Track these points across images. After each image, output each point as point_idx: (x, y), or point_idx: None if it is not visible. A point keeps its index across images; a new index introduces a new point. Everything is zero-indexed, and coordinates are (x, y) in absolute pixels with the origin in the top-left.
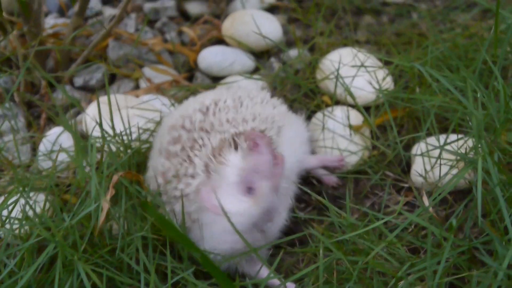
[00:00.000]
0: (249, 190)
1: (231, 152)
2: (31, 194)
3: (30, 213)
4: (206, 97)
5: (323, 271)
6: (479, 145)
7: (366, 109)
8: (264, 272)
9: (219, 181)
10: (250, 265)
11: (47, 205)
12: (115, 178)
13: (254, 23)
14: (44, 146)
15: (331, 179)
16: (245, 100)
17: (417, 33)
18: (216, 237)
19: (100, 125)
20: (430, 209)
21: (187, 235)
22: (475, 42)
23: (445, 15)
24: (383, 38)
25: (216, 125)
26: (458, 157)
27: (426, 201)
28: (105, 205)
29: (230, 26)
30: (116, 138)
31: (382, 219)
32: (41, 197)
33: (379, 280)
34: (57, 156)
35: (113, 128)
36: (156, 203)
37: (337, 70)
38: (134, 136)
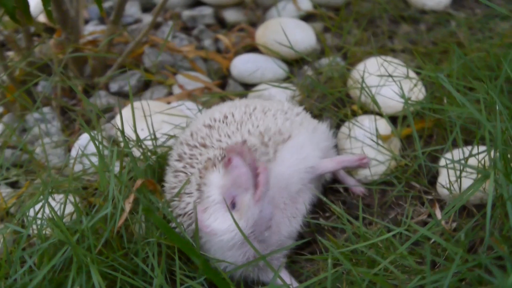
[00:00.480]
0: (233, 205)
1: (212, 171)
2: (60, 196)
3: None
4: (218, 110)
5: (335, 280)
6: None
7: (396, 119)
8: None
9: (206, 201)
10: (263, 273)
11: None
12: (138, 182)
13: (284, 32)
14: (75, 150)
15: (358, 189)
16: (257, 113)
17: (454, 42)
18: (217, 254)
19: (122, 132)
20: (443, 222)
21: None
22: (509, 52)
23: (484, 24)
24: (420, 47)
25: (215, 140)
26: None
27: (439, 214)
28: (126, 208)
29: (262, 34)
30: (140, 143)
31: (404, 230)
32: (70, 199)
33: None
34: (74, 161)
35: (135, 131)
36: (166, 213)
37: (362, 79)
38: (160, 142)
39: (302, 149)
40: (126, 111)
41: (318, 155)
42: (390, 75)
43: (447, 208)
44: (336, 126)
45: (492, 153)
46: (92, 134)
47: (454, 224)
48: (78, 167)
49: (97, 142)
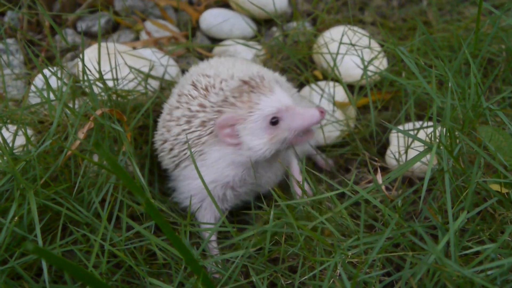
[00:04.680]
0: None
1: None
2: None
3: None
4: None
5: (275, 234)
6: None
7: (359, 88)
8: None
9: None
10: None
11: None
12: (98, 112)
13: None
14: (36, 84)
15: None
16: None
17: (423, 20)
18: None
19: (83, 63)
20: (383, 187)
21: None
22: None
23: (454, 6)
24: (389, 22)
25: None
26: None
27: (380, 179)
28: (79, 136)
29: None
30: (101, 80)
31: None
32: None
33: (323, 249)
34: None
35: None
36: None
37: (326, 45)
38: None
39: None
40: (90, 51)
41: None
42: (352, 44)
43: (389, 175)
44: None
45: (439, 128)
46: (52, 70)
47: (398, 193)
48: (37, 101)
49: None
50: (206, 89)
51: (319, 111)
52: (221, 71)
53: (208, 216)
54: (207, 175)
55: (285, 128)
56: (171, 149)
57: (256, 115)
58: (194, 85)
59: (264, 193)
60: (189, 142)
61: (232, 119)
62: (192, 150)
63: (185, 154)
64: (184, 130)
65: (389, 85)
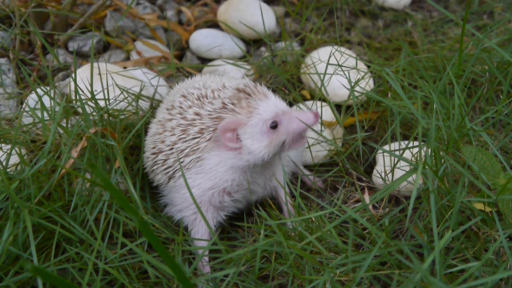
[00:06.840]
0: (273, 127)
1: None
2: (8, 147)
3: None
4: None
5: (265, 252)
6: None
7: (346, 108)
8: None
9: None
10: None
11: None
12: (91, 130)
13: (247, 12)
14: (28, 103)
15: (317, 183)
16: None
17: (408, 41)
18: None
19: (75, 83)
20: (370, 207)
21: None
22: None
23: (438, 27)
24: (375, 42)
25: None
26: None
27: (367, 199)
28: (73, 155)
29: (224, 11)
30: (93, 100)
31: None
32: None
33: (312, 267)
34: (20, 113)
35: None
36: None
37: (314, 65)
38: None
39: None
40: (82, 71)
41: None
42: (339, 65)
43: (376, 194)
44: None
45: (425, 148)
46: (45, 90)
47: (385, 212)
48: (29, 121)
49: (42, 94)
50: (199, 99)
51: (313, 114)
52: (210, 84)
53: (203, 229)
54: (205, 182)
55: (283, 131)
56: (166, 160)
57: (256, 119)
58: (185, 97)
59: (257, 200)
60: (186, 151)
61: (233, 123)
62: (189, 158)
63: (182, 161)
64: (180, 138)
65: (376, 105)
